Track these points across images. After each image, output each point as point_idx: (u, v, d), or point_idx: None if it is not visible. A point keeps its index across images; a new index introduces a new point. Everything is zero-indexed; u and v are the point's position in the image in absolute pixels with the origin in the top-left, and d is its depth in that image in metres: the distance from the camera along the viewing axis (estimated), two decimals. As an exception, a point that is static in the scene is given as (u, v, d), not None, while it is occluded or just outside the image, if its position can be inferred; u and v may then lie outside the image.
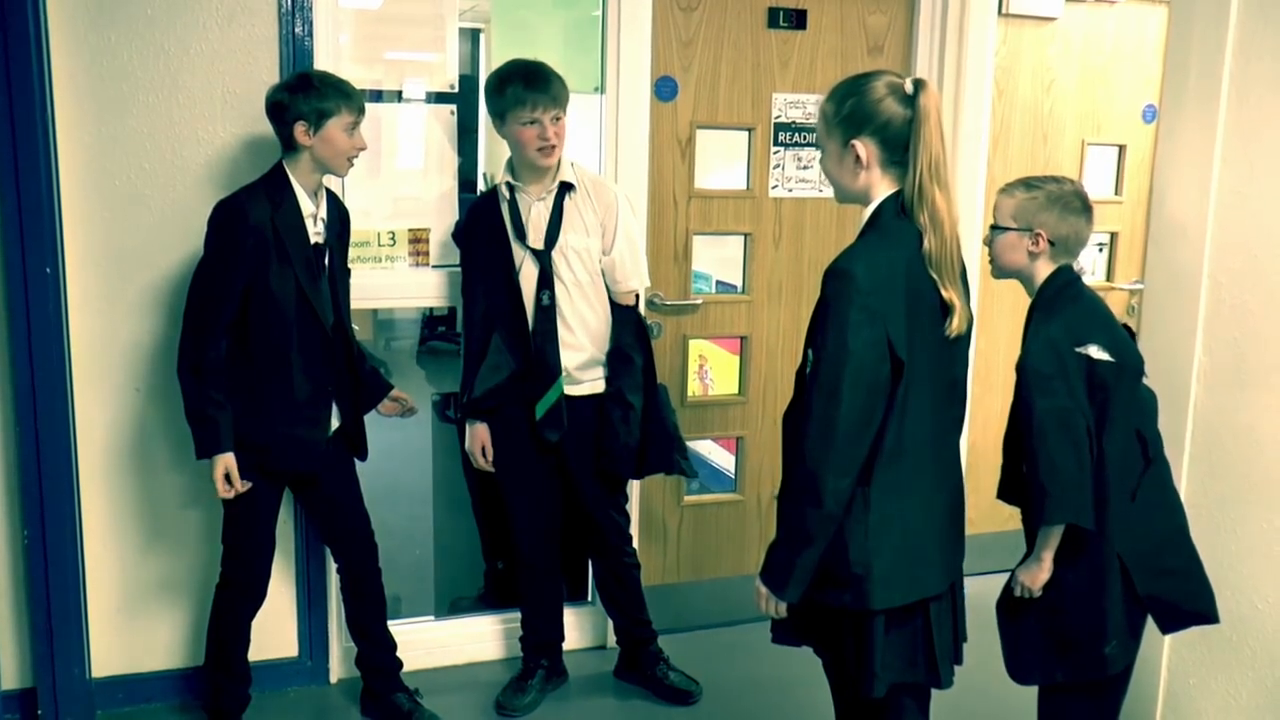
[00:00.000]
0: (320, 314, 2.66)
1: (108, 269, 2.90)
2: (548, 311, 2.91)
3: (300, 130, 2.60)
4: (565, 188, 2.94)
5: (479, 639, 3.44)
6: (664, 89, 3.40)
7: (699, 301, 3.53)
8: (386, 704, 3.03)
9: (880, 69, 2.21)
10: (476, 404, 2.98)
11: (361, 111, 2.67)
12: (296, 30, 2.92)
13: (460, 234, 3.11)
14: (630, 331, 3.02)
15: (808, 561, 2.02)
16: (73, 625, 2.91)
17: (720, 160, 3.55)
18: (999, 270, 2.30)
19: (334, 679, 3.26)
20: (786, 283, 3.62)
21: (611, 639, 3.44)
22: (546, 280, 2.91)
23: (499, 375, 2.94)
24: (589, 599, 3.54)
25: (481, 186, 5.81)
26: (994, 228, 2.27)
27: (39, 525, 2.85)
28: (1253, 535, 2.55)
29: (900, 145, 2.03)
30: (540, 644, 3.23)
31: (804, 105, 3.54)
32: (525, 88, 2.82)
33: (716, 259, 3.63)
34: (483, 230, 2.96)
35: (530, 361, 2.92)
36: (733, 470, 3.74)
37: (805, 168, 3.57)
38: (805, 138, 3.55)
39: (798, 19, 3.51)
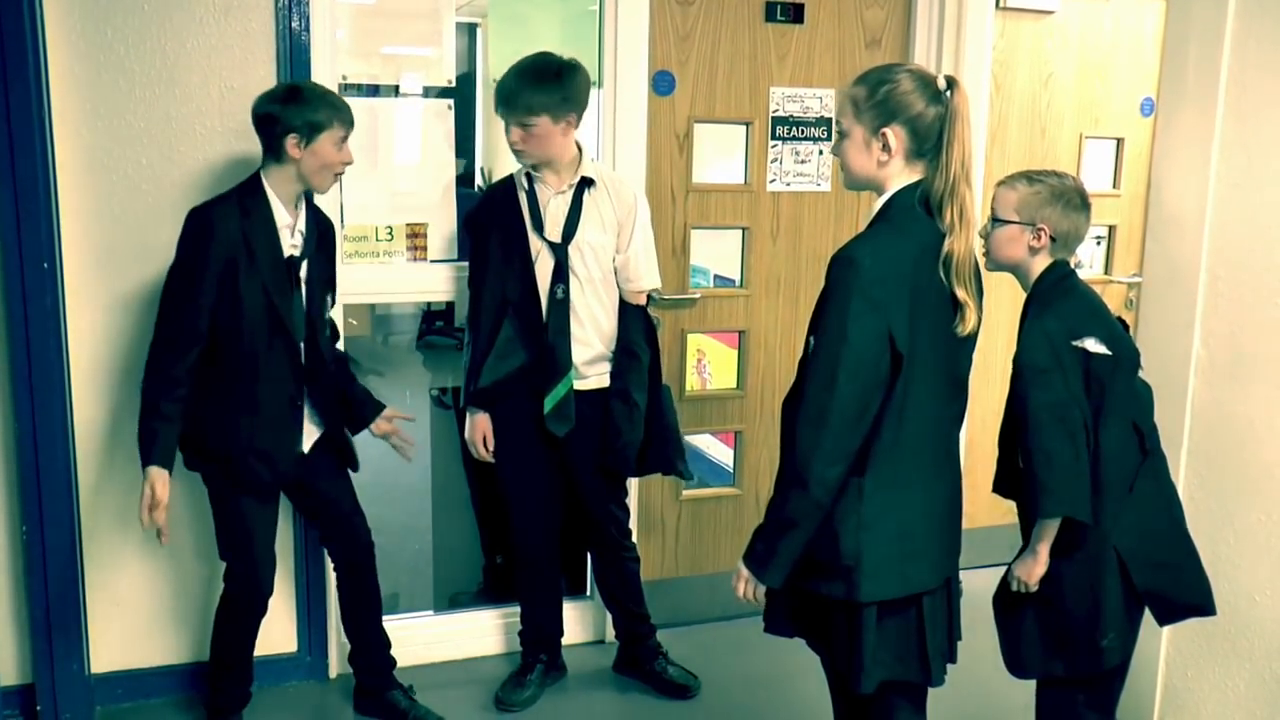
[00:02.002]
0: (290, 327, 2.63)
1: (105, 264, 2.90)
2: (562, 305, 2.91)
3: (291, 142, 2.56)
4: (586, 183, 2.94)
5: (478, 634, 3.45)
6: (661, 83, 3.40)
7: (697, 296, 3.52)
8: (383, 701, 3.03)
9: (906, 63, 2.20)
10: (483, 393, 2.97)
11: (351, 125, 2.63)
12: (293, 25, 2.92)
13: (472, 221, 3.08)
14: (639, 329, 3.02)
15: (791, 547, 2.02)
16: (71, 621, 2.91)
17: (718, 154, 3.54)
18: (994, 263, 2.29)
19: (333, 674, 3.26)
20: (784, 277, 3.62)
21: (610, 633, 3.44)
22: (561, 274, 2.90)
23: (507, 366, 2.93)
24: (587, 593, 3.55)
25: (480, 182, 5.80)
26: (995, 220, 2.26)
27: (37, 521, 2.84)
28: (1250, 528, 2.55)
29: (926, 139, 2.04)
30: (539, 639, 3.23)
31: (801, 99, 3.53)
32: (499, 91, 2.85)
33: (714, 253, 3.64)
34: (498, 219, 2.95)
35: (541, 354, 2.92)
36: (731, 465, 3.74)
37: (803, 162, 3.56)
38: (803, 132, 3.55)
39: (795, 13, 3.51)
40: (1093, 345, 2.15)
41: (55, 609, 2.88)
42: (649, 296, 3.08)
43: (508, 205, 2.94)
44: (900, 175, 2.06)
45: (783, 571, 2.04)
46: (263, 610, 2.83)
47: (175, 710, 3.08)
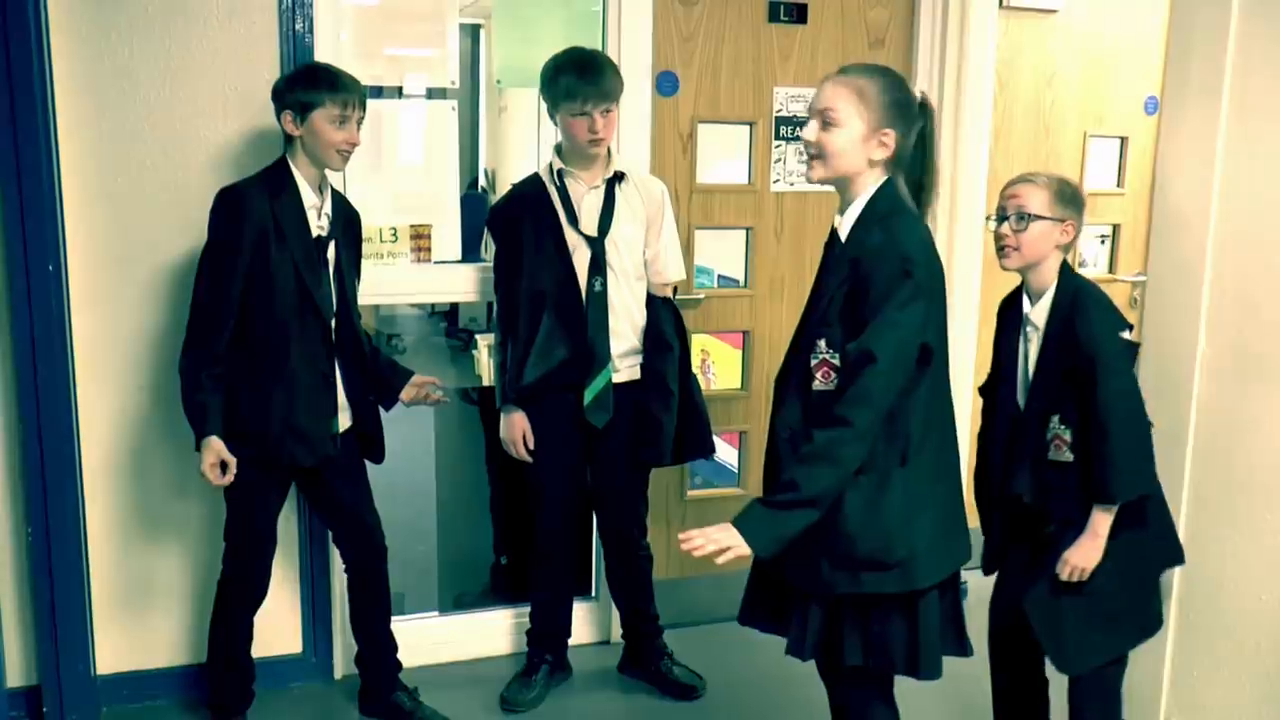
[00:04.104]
0: (320, 304, 2.66)
1: (110, 266, 2.90)
2: (599, 298, 2.92)
3: (287, 119, 2.62)
4: (618, 177, 2.96)
5: (483, 634, 3.45)
6: (665, 84, 3.40)
7: (701, 296, 3.52)
8: (388, 704, 3.03)
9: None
10: (528, 390, 2.95)
11: (350, 105, 2.63)
12: (297, 27, 2.92)
13: (500, 218, 3.05)
14: (669, 320, 3.05)
15: (800, 525, 1.98)
16: (76, 622, 2.92)
17: (722, 154, 3.54)
18: (1021, 261, 2.30)
19: (338, 675, 3.26)
20: (789, 276, 3.62)
21: (616, 633, 3.44)
22: (598, 267, 2.92)
23: (550, 362, 2.93)
24: (593, 594, 3.55)
25: (483, 183, 5.81)
26: (1031, 217, 2.27)
27: (42, 522, 2.85)
28: (1256, 528, 2.54)
29: (904, 151, 2.10)
30: (548, 637, 3.22)
31: (805, 99, 3.53)
32: (578, 79, 2.84)
33: (718, 253, 3.63)
34: (530, 215, 2.95)
35: (579, 347, 2.92)
36: (736, 465, 3.74)
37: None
38: (807, 132, 3.55)
39: (798, 13, 3.51)
40: (1129, 335, 2.28)
41: (60, 611, 2.89)
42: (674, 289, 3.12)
43: (539, 201, 2.95)
44: (879, 174, 2.09)
45: (779, 547, 2.00)
46: (260, 595, 2.83)
47: (181, 711, 3.08)
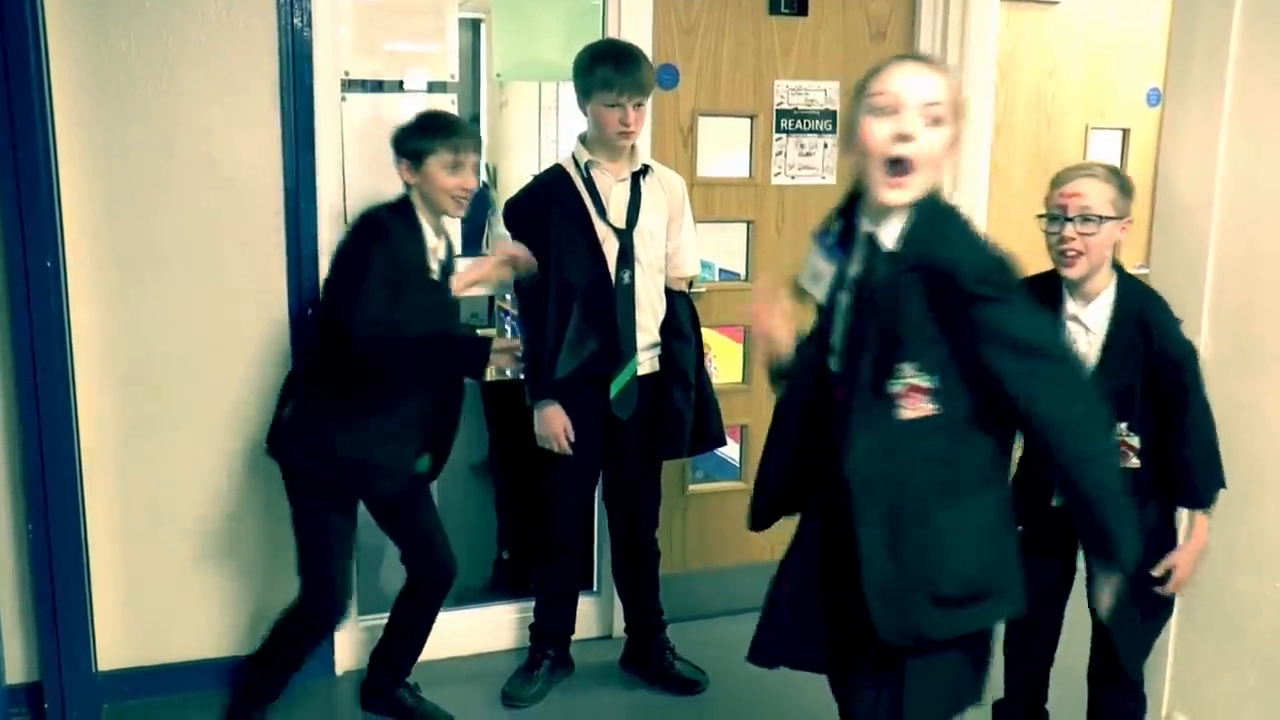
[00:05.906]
0: None
1: (108, 261, 2.89)
2: (628, 290, 2.92)
3: (404, 169, 2.62)
4: (644, 170, 2.97)
5: (485, 629, 3.44)
6: (666, 77, 3.39)
7: (702, 290, 3.51)
8: (390, 698, 3.02)
9: None
10: (560, 383, 2.92)
11: (463, 150, 2.61)
12: (295, 20, 2.91)
13: (521, 211, 3.00)
14: (686, 313, 3.07)
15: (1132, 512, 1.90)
16: (77, 619, 2.92)
17: (722, 148, 3.54)
18: (1089, 266, 2.22)
19: (339, 671, 3.26)
20: (790, 270, 3.59)
21: (618, 628, 3.44)
22: (627, 259, 2.91)
23: (581, 354, 2.91)
24: (595, 589, 3.54)
25: (484, 178, 5.79)
26: (1100, 218, 2.19)
27: (42, 519, 2.85)
28: (1261, 520, 2.54)
29: None
30: (553, 632, 3.22)
31: (805, 92, 3.52)
32: (614, 70, 2.83)
33: (719, 247, 3.63)
34: (557, 207, 2.92)
35: (607, 340, 2.91)
36: (737, 459, 3.73)
37: (808, 154, 3.55)
38: (807, 124, 3.54)
39: (799, 5, 3.50)
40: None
41: (61, 607, 2.89)
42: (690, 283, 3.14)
43: (565, 193, 2.93)
44: None
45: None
46: (333, 629, 2.84)
47: (183, 707, 3.07)
